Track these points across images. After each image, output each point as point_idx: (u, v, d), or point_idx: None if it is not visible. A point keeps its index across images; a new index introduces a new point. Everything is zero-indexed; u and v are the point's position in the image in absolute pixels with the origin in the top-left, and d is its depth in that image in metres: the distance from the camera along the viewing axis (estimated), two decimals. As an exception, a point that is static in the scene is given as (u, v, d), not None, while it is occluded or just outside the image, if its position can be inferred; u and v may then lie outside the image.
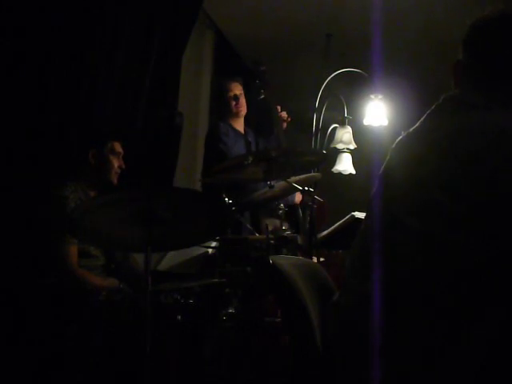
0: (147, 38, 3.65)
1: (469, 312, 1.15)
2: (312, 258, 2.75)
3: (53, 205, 2.71)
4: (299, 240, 2.81)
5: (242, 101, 3.82)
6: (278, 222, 3.06)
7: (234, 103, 3.78)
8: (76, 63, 3.14)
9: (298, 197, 3.64)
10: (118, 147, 2.93)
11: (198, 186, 4.21)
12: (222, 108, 3.89)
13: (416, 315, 1.19)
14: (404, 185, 1.27)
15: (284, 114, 4.05)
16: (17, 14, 2.82)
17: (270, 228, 2.83)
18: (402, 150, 1.35)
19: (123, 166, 2.94)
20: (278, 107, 3.97)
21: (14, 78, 2.82)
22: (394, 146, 1.39)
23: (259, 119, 4.39)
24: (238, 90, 3.79)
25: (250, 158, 2.55)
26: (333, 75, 3.41)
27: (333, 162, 3.53)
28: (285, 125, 4.07)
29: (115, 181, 2.92)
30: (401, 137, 1.39)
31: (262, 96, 3.83)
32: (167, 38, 3.87)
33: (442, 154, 1.23)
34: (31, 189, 2.85)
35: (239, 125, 3.88)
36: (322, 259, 3.09)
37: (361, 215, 2.79)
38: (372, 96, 3.44)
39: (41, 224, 2.77)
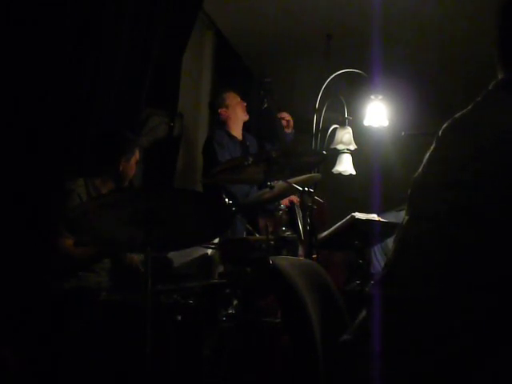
0: (147, 38, 3.65)
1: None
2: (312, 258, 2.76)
3: (58, 195, 2.76)
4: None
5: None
6: (274, 222, 3.06)
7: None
8: (76, 63, 3.13)
9: (285, 201, 3.64)
10: (138, 155, 2.99)
11: (198, 187, 4.23)
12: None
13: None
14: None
15: (285, 115, 4.09)
16: (17, 13, 2.82)
17: (270, 229, 2.83)
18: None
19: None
20: (281, 113, 4.06)
21: (14, 78, 2.83)
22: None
23: (262, 126, 4.52)
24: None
25: (250, 159, 2.55)
26: (333, 76, 3.41)
27: (333, 163, 3.54)
28: (291, 125, 4.12)
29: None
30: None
31: (266, 105, 3.92)
32: (167, 39, 3.87)
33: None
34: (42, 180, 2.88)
35: (237, 130, 4.05)
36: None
37: (361, 215, 2.79)
38: (372, 96, 3.44)
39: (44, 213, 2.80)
